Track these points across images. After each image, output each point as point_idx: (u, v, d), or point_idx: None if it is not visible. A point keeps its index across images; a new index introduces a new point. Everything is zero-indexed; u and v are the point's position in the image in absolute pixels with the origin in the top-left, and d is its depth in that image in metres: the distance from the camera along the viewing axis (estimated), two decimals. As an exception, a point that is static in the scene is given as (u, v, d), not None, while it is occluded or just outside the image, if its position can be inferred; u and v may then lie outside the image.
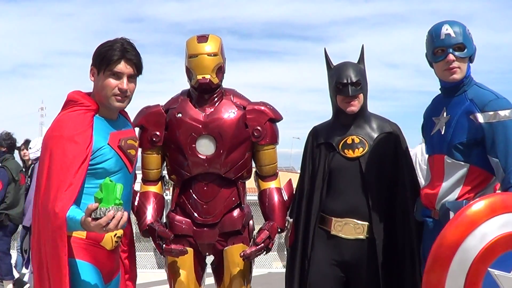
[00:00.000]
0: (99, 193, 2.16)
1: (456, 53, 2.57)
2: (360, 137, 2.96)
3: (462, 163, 2.56)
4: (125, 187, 2.28)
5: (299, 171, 3.26)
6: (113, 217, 2.13)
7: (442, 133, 2.64)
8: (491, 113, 2.47)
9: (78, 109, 2.43)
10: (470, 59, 2.62)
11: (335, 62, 3.05)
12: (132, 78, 2.48)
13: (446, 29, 2.58)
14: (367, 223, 2.89)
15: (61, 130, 2.36)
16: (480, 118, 2.49)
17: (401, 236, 2.87)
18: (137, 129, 3.16)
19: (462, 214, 2.23)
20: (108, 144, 2.43)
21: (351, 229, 2.91)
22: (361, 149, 2.94)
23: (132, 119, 2.88)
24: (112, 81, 2.43)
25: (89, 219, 2.14)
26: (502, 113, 2.46)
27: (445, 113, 2.65)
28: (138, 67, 2.49)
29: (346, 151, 2.95)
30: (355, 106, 2.92)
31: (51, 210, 2.23)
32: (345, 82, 2.89)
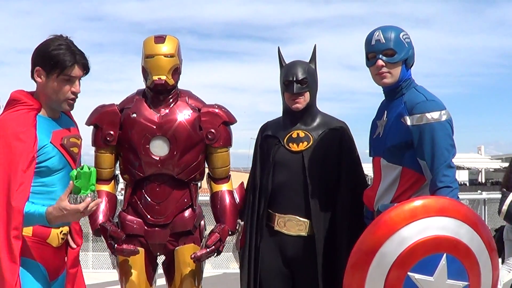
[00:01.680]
0: (79, 181, 2.24)
1: (385, 59, 2.61)
2: (305, 132, 3.00)
3: (395, 165, 2.60)
4: (68, 185, 2.28)
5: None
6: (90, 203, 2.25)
7: (380, 136, 2.69)
8: (418, 115, 2.50)
9: (21, 108, 2.42)
10: (406, 63, 2.65)
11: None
12: (80, 79, 2.50)
13: (377, 35, 2.63)
14: (308, 220, 2.93)
15: (5, 129, 2.34)
16: (408, 120, 2.53)
17: (340, 233, 2.90)
18: (91, 128, 3.16)
19: (380, 220, 2.24)
20: (50, 142, 2.42)
21: (293, 225, 2.95)
22: (305, 143, 2.98)
23: (84, 117, 2.87)
24: (66, 86, 2.43)
25: (66, 203, 2.21)
26: (429, 115, 2.48)
27: (385, 117, 2.70)
28: (87, 69, 2.51)
29: (290, 144, 3.00)
30: (300, 104, 2.97)
31: (7, 208, 2.21)
32: (291, 80, 2.95)
